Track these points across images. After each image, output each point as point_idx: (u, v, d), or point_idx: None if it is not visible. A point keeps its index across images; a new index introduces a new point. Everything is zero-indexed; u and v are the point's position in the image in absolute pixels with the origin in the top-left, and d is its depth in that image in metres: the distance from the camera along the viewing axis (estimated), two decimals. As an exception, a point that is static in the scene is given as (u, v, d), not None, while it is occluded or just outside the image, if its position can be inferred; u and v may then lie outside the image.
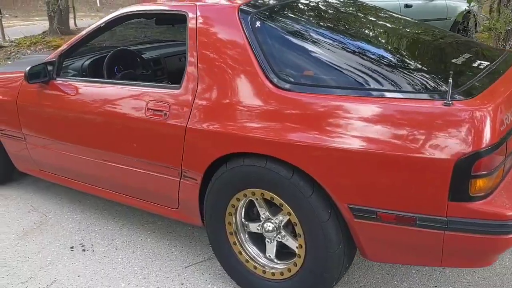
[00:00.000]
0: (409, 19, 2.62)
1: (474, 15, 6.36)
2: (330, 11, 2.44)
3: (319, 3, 2.43)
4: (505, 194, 1.58)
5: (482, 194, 1.51)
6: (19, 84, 2.76)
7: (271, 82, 1.82)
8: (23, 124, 2.76)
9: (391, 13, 2.62)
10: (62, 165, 2.68)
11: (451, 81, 1.52)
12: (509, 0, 4.20)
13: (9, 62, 7.98)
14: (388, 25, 2.52)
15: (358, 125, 1.62)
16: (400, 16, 2.67)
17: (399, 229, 1.62)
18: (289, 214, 1.82)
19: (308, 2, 2.43)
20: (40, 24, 18.05)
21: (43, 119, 2.64)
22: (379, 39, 2.27)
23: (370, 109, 1.62)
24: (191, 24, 2.11)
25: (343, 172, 1.64)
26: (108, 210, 2.88)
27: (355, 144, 1.60)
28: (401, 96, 1.62)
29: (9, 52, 8.51)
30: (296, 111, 1.75)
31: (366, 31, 2.31)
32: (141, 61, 3.02)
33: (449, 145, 1.48)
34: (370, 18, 2.49)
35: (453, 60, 1.96)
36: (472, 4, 5.14)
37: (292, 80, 1.81)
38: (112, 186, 2.50)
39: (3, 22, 10.08)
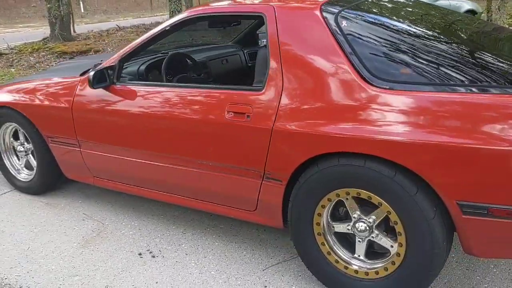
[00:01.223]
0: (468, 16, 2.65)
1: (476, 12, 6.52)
2: (404, 10, 2.46)
3: (395, 2, 2.44)
4: None
5: None
6: (74, 88, 2.72)
7: (365, 80, 1.82)
8: (79, 131, 2.71)
9: (451, 10, 2.65)
10: (123, 171, 2.64)
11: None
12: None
13: (12, 70, 7.86)
14: (460, 24, 2.52)
15: (463, 121, 1.63)
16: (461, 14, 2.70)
17: (509, 224, 1.63)
18: (388, 213, 1.82)
19: (382, 1, 2.44)
20: (25, 31, 17.81)
21: (104, 125, 2.59)
22: (462, 37, 2.29)
23: (472, 105, 1.63)
24: (270, 24, 2.10)
25: (451, 169, 1.65)
26: (164, 215, 2.84)
27: (463, 140, 1.61)
28: (505, 92, 1.64)
29: (11, 60, 8.37)
30: (396, 109, 1.75)
31: (447, 29, 2.33)
32: (192, 65, 3.00)
33: None
34: (444, 17, 2.51)
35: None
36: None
37: (387, 78, 1.81)
38: (180, 190, 2.47)
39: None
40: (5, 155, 3.26)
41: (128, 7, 33.48)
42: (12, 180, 3.28)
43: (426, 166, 1.68)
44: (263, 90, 2.05)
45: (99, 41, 9.72)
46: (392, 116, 1.75)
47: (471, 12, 7.65)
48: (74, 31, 10.75)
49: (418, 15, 2.46)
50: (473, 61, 1.83)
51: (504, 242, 1.71)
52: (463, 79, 1.76)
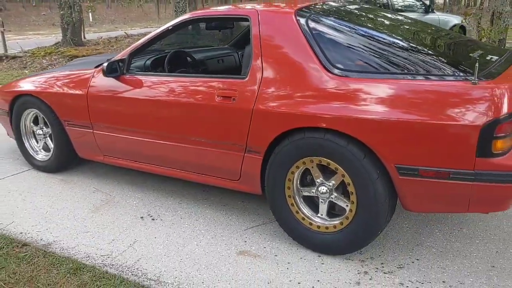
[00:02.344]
0: (428, 23, 3.12)
1: (464, 27, 6.97)
2: (366, 15, 2.92)
3: (355, 9, 2.91)
4: (519, 154, 2.03)
5: (501, 151, 1.97)
6: (89, 78, 3.18)
7: (327, 70, 2.27)
8: (92, 114, 3.16)
9: (414, 19, 3.12)
10: (129, 149, 3.09)
11: (477, 65, 1.99)
12: (500, 13, 4.75)
13: (26, 71, 8.37)
14: (415, 27, 2.98)
15: (401, 101, 2.08)
16: (419, 20, 3.17)
17: (436, 183, 2.07)
18: (342, 176, 2.26)
19: (346, 7, 2.91)
20: (35, 38, 18.40)
21: (114, 109, 3.04)
22: (410, 35, 2.75)
23: (410, 88, 2.08)
24: (254, 25, 2.56)
25: (390, 139, 2.09)
26: (164, 189, 3.29)
27: (401, 115, 2.05)
28: (437, 78, 2.08)
29: (24, 62, 8.89)
30: (349, 92, 2.20)
31: (398, 29, 2.80)
32: (192, 62, 3.46)
33: (476, 114, 1.94)
34: (402, 21, 2.97)
35: (471, 54, 2.44)
36: (466, 19, 5.73)
37: (344, 68, 2.26)
38: (176, 164, 2.91)
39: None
40: (25, 138, 3.72)
41: (135, 18, 34.19)
42: (30, 160, 3.74)
43: (371, 137, 2.12)
44: (247, 78, 2.51)
45: (108, 46, 10.25)
46: (345, 97, 2.19)
47: (460, 27, 7.99)
48: (84, 37, 11.30)
49: (372, 19, 2.93)
50: (410, 55, 2.28)
51: (432, 198, 2.14)
52: (401, 69, 2.21)
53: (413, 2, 8.54)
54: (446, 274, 2.22)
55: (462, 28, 8.17)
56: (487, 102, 1.94)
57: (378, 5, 8.02)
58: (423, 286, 2.15)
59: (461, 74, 2.09)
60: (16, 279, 2.28)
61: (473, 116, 1.95)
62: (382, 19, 2.98)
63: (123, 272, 2.32)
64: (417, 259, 2.36)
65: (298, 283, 2.20)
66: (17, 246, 2.59)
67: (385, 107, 2.10)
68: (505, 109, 1.94)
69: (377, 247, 2.48)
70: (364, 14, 2.98)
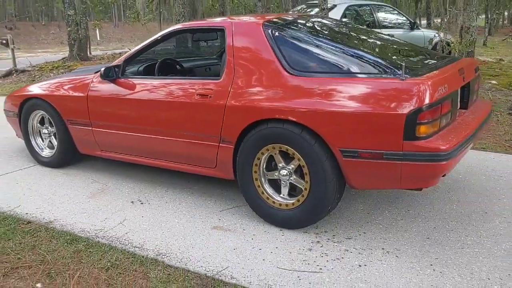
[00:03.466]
0: (383, 34, 3.56)
1: (442, 41, 7.41)
2: (323, 26, 3.37)
3: (315, 22, 3.37)
4: (441, 138, 2.44)
5: (424, 135, 2.38)
6: (89, 83, 3.64)
7: (286, 70, 2.71)
8: (91, 113, 3.61)
9: (366, 29, 3.56)
10: (122, 143, 3.52)
11: (404, 64, 2.42)
12: (468, 28, 5.19)
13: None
14: (363, 35, 3.43)
15: (344, 95, 2.50)
16: (371, 30, 3.61)
17: (373, 163, 2.47)
18: (299, 160, 2.67)
19: (307, 20, 3.36)
20: (43, 56, 19.04)
21: (110, 108, 3.49)
22: (356, 43, 3.19)
23: (351, 84, 2.51)
24: (228, 34, 3.01)
25: (335, 127, 2.51)
26: (154, 180, 3.71)
27: (342, 107, 2.48)
28: (374, 76, 2.51)
29: (33, 75, 9.42)
30: (303, 88, 2.63)
31: (347, 38, 3.24)
32: (180, 69, 3.92)
33: (403, 104, 2.36)
34: (352, 32, 3.42)
35: (411, 58, 2.87)
36: (440, 33, 6.18)
37: (301, 69, 2.70)
38: (163, 155, 3.33)
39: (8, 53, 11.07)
40: (32, 136, 4.17)
41: (141, 36, 34.99)
42: (36, 157, 4.18)
43: (319, 125, 2.54)
44: (221, 79, 2.95)
45: (112, 61, 10.78)
46: (300, 93, 2.63)
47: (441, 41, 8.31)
48: (90, 53, 11.87)
49: (330, 30, 3.39)
50: (353, 59, 2.71)
51: (370, 176, 2.54)
52: (345, 69, 2.64)
53: (400, 20, 9.02)
54: (386, 244, 2.61)
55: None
56: (411, 94, 2.36)
57: (367, 23, 8.49)
58: (364, 251, 2.54)
59: (394, 72, 2.51)
60: (21, 247, 2.69)
61: (400, 106, 2.37)
62: (339, 30, 3.44)
63: (112, 242, 2.73)
64: (364, 233, 2.75)
65: (260, 249, 2.60)
66: (23, 223, 3.01)
67: (331, 100, 2.53)
68: (426, 100, 2.35)
69: (331, 223, 2.88)
70: (324, 26, 3.43)
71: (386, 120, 2.39)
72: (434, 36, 7.34)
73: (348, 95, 2.50)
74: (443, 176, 2.53)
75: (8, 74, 10.29)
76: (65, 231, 2.88)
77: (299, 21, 3.31)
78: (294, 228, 2.80)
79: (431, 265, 2.39)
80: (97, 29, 20.67)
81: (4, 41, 13.58)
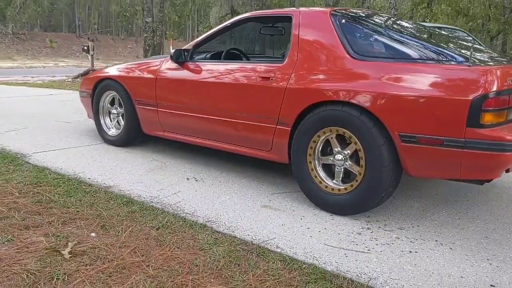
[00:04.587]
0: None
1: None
2: (387, 19, 3.38)
3: (380, 15, 3.37)
4: (506, 129, 2.34)
5: (489, 124, 2.29)
6: (158, 66, 3.83)
7: (349, 55, 2.72)
8: (158, 94, 3.78)
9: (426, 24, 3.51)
10: (183, 124, 3.65)
11: (472, 50, 2.37)
12: None
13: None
14: (424, 29, 3.39)
15: (406, 79, 2.47)
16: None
17: (432, 149, 2.41)
18: (355, 143, 2.65)
19: (372, 13, 3.37)
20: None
21: (175, 90, 3.64)
22: (418, 34, 3.14)
23: (414, 69, 2.48)
24: (295, 22, 3.07)
25: (394, 110, 2.47)
26: (210, 163, 3.81)
27: (403, 91, 2.44)
28: (435, 62, 2.47)
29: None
30: (365, 72, 2.62)
31: (410, 29, 3.23)
32: (244, 58, 4.03)
33: (469, 90, 2.29)
34: (414, 25, 3.39)
35: (476, 52, 2.80)
36: None
37: (363, 53, 2.70)
38: (221, 137, 3.42)
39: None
40: (102, 116, 4.42)
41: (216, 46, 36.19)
42: (103, 135, 4.42)
43: (379, 109, 2.52)
44: (284, 62, 3.00)
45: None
46: (362, 76, 2.62)
47: None
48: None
49: (392, 21, 3.37)
50: (415, 46, 2.68)
51: (428, 164, 2.47)
52: (408, 55, 2.61)
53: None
54: (440, 237, 2.51)
55: None
56: (478, 80, 2.29)
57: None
58: (416, 241, 2.45)
59: (458, 60, 2.46)
60: (81, 203, 2.84)
61: (465, 91, 2.30)
62: (401, 23, 3.42)
63: (165, 207, 2.82)
64: (418, 225, 2.66)
65: (308, 228, 2.58)
66: (85, 185, 3.18)
67: (392, 84, 2.50)
68: (493, 87, 2.28)
69: (383, 214, 2.81)
70: (388, 19, 3.43)
71: (449, 105, 2.33)
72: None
73: (410, 79, 2.47)
74: (507, 171, 2.42)
75: (86, 73, 11.00)
76: (123, 195, 3.01)
77: (364, 13, 3.33)
78: (346, 214, 2.76)
79: (488, 259, 2.26)
80: (171, 40, 21.76)
81: (85, 47, 14.59)
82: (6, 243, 2.29)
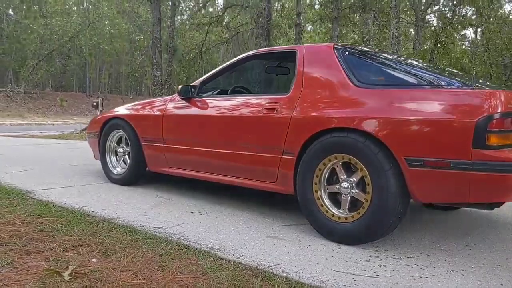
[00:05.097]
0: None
1: None
2: (385, 53, 3.46)
3: (379, 50, 3.46)
4: (513, 152, 2.33)
5: (496, 145, 2.28)
6: (165, 104, 3.90)
7: (353, 83, 2.77)
8: (165, 130, 3.82)
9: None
10: (189, 159, 3.66)
11: (474, 74, 2.41)
12: None
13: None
14: (421, 63, 3.47)
15: (409, 104, 2.50)
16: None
17: (439, 172, 2.39)
18: (361, 170, 2.63)
19: (371, 49, 3.46)
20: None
21: (181, 125, 3.69)
22: (417, 65, 3.21)
23: (416, 94, 2.51)
24: (300, 55, 3.15)
25: (400, 135, 2.48)
26: (215, 199, 3.78)
27: (408, 115, 2.46)
28: (437, 87, 2.51)
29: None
30: (368, 100, 2.66)
31: (409, 61, 3.29)
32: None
33: (473, 111, 2.31)
34: (412, 60, 3.45)
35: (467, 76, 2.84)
36: None
37: (366, 82, 2.75)
38: (227, 170, 3.41)
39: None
40: (108, 154, 4.44)
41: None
42: (109, 174, 4.42)
43: (384, 133, 2.53)
44: (288, 94, 3.05)
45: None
46: (365, 103, 2.66)
47: None
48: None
49: (390, 54, 3.46)
50: (416, 75, 2.74)
51: (436, 188, 2.43)
52: (410, 82, 2.66)
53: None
54: (451, 265, 2.43)
55: None
56: (482, 102, 2.31)
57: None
58: (427, 268, 2.37)
59: (460, 85, 2.50)
60: (83, 232, 2.79)
61: (470, 113, 2.32)
62: (399, 57, 3.52)
63: (168, 236, 2.77)
64: (428, 255, 2.58)
65: (314, 255, 2.51)
66: (88, 216, 3.15)
67: (396, 109, 2.53)
68: (498, 109, 2.29)
69: (392, 245, 2.73)
70: (386, 53, 3.53)
71: (455, 127, 2.34)
72: None
73: (414, 104, 2.49)
74: None
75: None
76: (126, 225, 2.97)
77: (365, 48, 3.43)
78: (353, 243, 2.69)
79: (502, 285, 2.18)
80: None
81: (95, 103, 14.94)
82: (6, 266, 2.24)
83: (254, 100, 3.28)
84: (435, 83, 2.59)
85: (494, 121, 2.28)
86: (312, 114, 2.85)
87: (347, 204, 2.75)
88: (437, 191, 2.46)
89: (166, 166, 3.90)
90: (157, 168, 4.02)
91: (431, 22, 24.00)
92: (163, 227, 2.95)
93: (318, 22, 20.74)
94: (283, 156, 3.01)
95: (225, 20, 19.56)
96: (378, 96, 2.64)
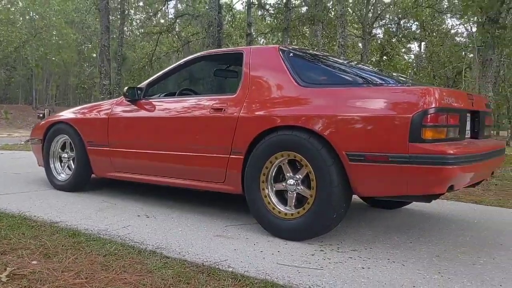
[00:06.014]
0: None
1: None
2: (328, 55, 3.56)
3: (322, 53, 3.56)
4: (447, 145, 2.44)
5: (431, 139, 2.39)
6: (110, 106, 3.83)
7: (297, 82, 2.84)
8: (110, 133, 3.75)
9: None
10: (136, 162, 3.60)
11: (410, 72, 2.52)
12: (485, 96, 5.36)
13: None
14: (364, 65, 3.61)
15: (349, 102, 2.59)
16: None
17: (379, 166, 2.47)
18: (306, 166, 2.69)
19: (315, 51, 3.56)
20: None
21: (127, 127, 3.63)
22: (358, 65, 3.34)
23: (356, 92, 2.61)
24: (246, 57, 3.20)
25: (341, 131, 2.56)
26: (161, 202, 3.73)
27: (348, 112, 2.55)
28: (375, 86, 2.61)
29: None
30: (310, 98, 2.74)
31: (350, 62, 3.41)
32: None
33: (408, 107, 2.42)
34: (353, 62, 3.58)
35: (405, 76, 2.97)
36: None
37: (309, 81, 2.83)
38: (175, 172, 3.38)
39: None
40: (52, 160, 4.30)
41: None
42: (52, 180, 4.27)
43: (327, 130, 2.60)
44: (235, 94, 3.08)
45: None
46: (309, 101, 2.73)
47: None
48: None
49: (333, 57, 3.58)
50: (354, 74, 2.85)
51: (377, 181, 2.52)
52: (349, 81, 2.76)
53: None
54: (393, 256, 2.51)
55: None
56: (417, 97, 2.43)
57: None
58: (369, 260, 2.44)
59: (397, 82, 2.62)
60: (24, 236, 2.68)
61: (406, 108, 2.42)
62: (342, 59, 3.63)
63: (113, 237, 2.71)
64: (371, 248, 2.66)
65: (261, 251, 2.53)
66: (30, 221, 3.03)
67: (337, 106, 2.61)
68: (432, 104, 2.41)
69: (337, 239, 2.80)
70: (329, 55, 3.65)
71: (392, 122, 2.44)
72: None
73: (354, 101, 2.58)
74: (451, 188, 2.48)
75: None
76: (69, 228, 2.88)
77: (312, 51, 3.53)
78: (299, 239, 2.73)
79: (439, 272, 2.28)
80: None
81: (41, 114, 14.41)
82: None
83: (201, 101, 3.29)
84: (374, 82, 2.69)
85: (428, 116, 2.39)
86: (258, 113, 2.89)
87: (293, 201, 2.79)
88: (377, 185, 2.55)
89: (112, 171, 3.82)
90: (103, 173, 3.93)
91: (378, 35, 24.92)
92: (108, 229, 2.88)
93: (269, 34, 21.05)
94: (231, 156, 3.02)
95: (176, 29, 19.49)
96: (321, 95, 2.72)
